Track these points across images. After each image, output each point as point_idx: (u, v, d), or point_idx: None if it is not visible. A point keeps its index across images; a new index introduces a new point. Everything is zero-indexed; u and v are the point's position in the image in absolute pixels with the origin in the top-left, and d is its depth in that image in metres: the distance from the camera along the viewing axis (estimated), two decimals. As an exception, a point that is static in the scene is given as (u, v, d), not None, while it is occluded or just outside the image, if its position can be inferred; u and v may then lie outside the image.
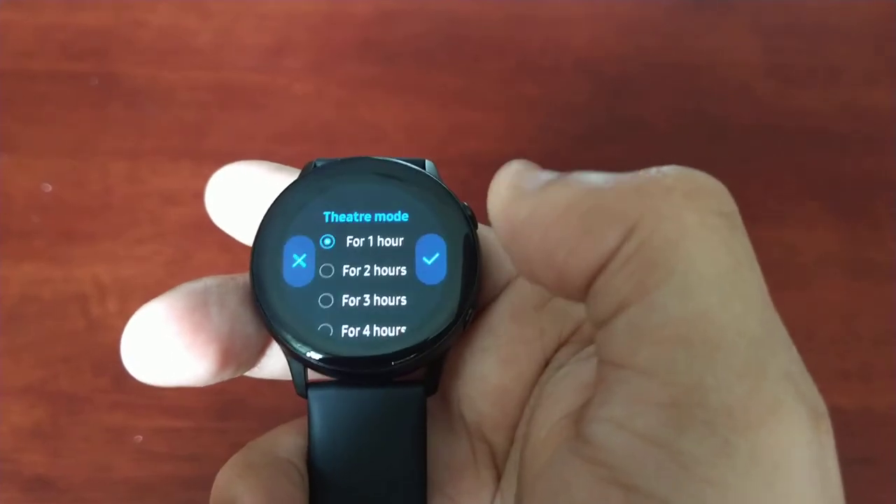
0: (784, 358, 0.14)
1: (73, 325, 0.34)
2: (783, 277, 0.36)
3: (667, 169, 0.15)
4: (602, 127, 0.40)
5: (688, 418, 0.13)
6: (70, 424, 0.32)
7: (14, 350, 0.34)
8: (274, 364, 0.19)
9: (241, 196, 0.20)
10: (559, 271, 0.15)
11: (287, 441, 0.19)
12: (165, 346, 0.17)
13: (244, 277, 0.19)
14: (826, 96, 0.41)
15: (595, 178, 0.15)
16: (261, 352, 0.19)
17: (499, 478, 0.20)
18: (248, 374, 0.20)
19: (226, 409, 0.33)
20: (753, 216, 0.38)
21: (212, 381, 0.18)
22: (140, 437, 0.32)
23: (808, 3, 0.44)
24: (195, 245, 0.37)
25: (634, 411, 0.14)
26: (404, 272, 0.18)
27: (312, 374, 0.19)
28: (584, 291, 0.15)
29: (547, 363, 0.20)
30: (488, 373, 0.20)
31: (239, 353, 0.18)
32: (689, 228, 0.14)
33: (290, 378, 0.19)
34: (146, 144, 0.39)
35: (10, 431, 0.32)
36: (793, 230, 0.37)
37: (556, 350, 0.20)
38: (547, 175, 0.16)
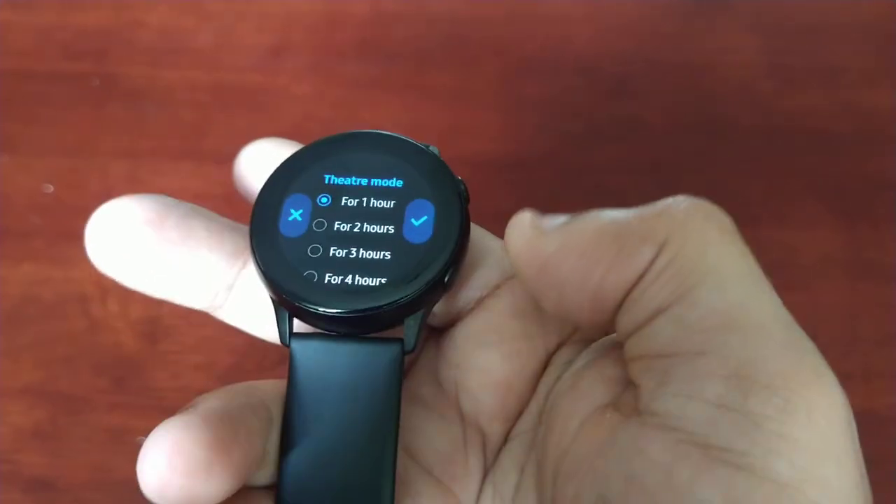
0: (809, 340, 0.17)
1: (74, 326, 0.34)
2: (784, 278, 0.35)
3: (681, 198, 0.18)
4: (601, 127, 0.40)
5: (750, 384, 0.15)
6: (70, 425, 0.32)
7: (14, 350, 0.34)
8: (238, 312, 0.21)
9: (266, 168, 0.21)
10: (594, 291, 0.17)
11: (266, 386, 0.20)
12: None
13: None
14: (827, 97, 0.41)
15: (616, 212, 0.18)
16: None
17: (485, 467, 0.21)
18: (211, 312, 0.21)
19: (226, 409, 0.33)
20: (754, 217, 0.38)
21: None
22: (142, 438, 0.32)
23: (809, 3, 0.44)
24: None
25: (699, 384, 0.16)
26: (392, 231, 0.19)
27: (297, 326, 0.20)
28: (617, 308, 0.17)
29: (548, 360, 0.21)
30: (490, 366, 0.20)
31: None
32: (712, 241, 0.17)
33: (245, 331, 0.21)
34: (146, 145, 0.39)
35: (9, 432, 0.32)
36: (794, 231, 0.37)
37: (558, 348, 0.21)
38: (563, 216, 0.18)
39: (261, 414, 0.19)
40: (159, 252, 0.19)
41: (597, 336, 0.21)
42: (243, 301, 0.20)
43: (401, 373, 0.19)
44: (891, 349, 0.34)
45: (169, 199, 0.20)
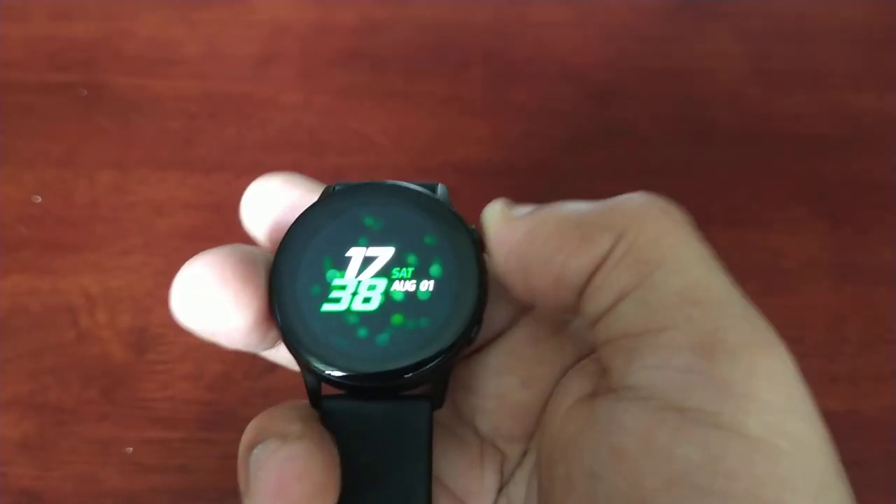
0: (759, 314, 0.18)
1: (62, 337, 0.34)
2: (770, 282, 0.36)
3: (637, 194, 0.19)
4: (588, 133, 0.40)
5: (715, 351, 0.16)
6: (58, 436, 0.32)
7: (2, 362, 0.34)
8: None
9: (273, 208, 0.21)
10: (558, 275, 0.18)
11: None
12: (213, 292, 0.18)
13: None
14: (812, 100, 0.41)
15: (578, 203, 0.19)
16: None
17: (501, 483, 0.21)
18: (264, 354, 0.21)
19: (215, 420, 0.33)
20: (740, 220, 0.38)
21: (246, 339, 0.19)
22: (131, 449, 0.32)
23: (793, 7, 0.44)
24: (183, 255, 0.36)
25: (668, 354, 0.17)
26: (413, 294, 0.19)
27: (325, 387, 0.20)
28: (579, 292, 0.18)
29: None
30: (508, 391, 0.21)
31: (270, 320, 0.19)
32: (667, 230, 0.18)
33: (291, 367, 0.20)
34: (134, 155, 0.39)
35: (-2, 444, 0.32)
36: (779, 234, 0.37)
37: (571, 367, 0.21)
38: (530, 206, 0.19)
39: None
40: (260, 303, 0.19)
41: (562, 317, 0.21)
42: None
43: (431, 430, 0.20)
44: (877, 351, 0.34)
45: (245, 247, 0.19)
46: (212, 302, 0.18)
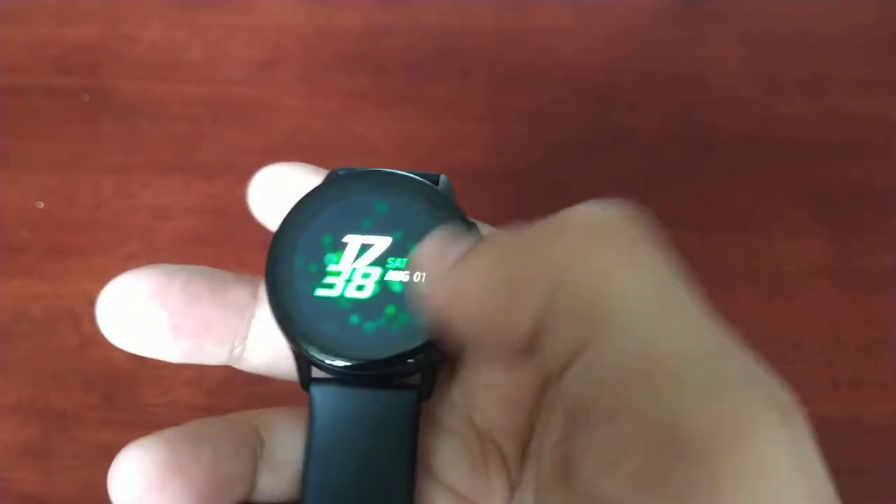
0: (739, 362, 0.14)
1: (64, 342, 0.34)
2: (771, 287, 0.36)
3: (580, 213, 0.16)
4: (590, 137, 0.40)
5: (672, 452, 0.13)
6: (60, 442, 0.32)
7: (4, 367, 0.34)
8: (257, 359, 0.21)
9: (280, 195, 0.21)
10: (495, 336, 0.16)
11: (266, 415, 0.20)
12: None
13: (227, 273, 0.20)
14: (813, 105, 0.41)
15: (509, 241, 0.16)
16: (228, 339, 0.20)
17: (510, 485, 0.21)
18: (234, 364, 0.21)
19: (217, 423, 0.33)
20: (741, 226, 0.38)
21: (165, 356, 0.20)
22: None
23: (795, 13, 0.44)
24: (186, 259, 0.36)
25: (621, 451, 0.14)
26: (407, 284, 0.19)
27: (315, 371, 0.20)
28: (526, 348, 0.16)
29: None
30: (495, 381, 0.21)
31: (195, 331, 0.20)
32: (615, 262, 0.15)
33: (269, 375, 0.21)
34: (137, 159, 0.39)
35: (0, 449, 0.32)
36: (780, 240, 0.37)
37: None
38: (468, 240, 0.17)
39: (243, 438, 0.19)
40: (169, 323, 0.20)
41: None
42: (259, 348, 0.21)
43: (416, 420, 0.20)
44: (877, 356, 0.34)
45: (169, 267, 0.20)
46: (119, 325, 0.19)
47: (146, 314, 0.19)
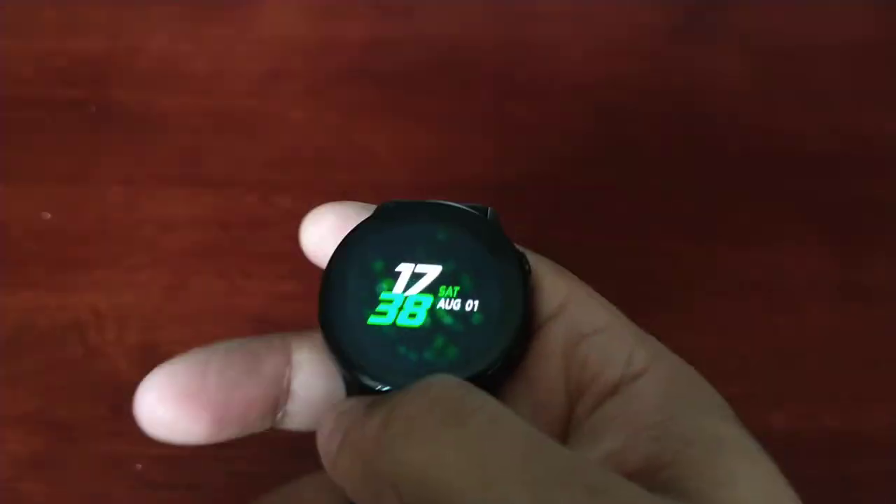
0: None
1: (71, 354, 0.35)
2: (773, 301, 0.36)
3: (403, 403, 0.16)
4: (592, 151, 0.40)
5: None
6: (68, 453, 0.32)
7: (11, 379, 0.34)
8: (298, 421, 0.21)
9: (333, 232, 0.21)
10: None
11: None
12: (160, 411, 0.19)
13: (256, 342, 0.21)
14: (814, 119, 0.41)
15: (360, 437, 0.16)
16: (270, 412, 0.21)
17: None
18: (287, 427, 0.21)
19: (223, 435, 0.33)
20: (744, 240, 0.39)
21: (215, 441, 0.20)
22: (140, 466, 0.32)
23: (797, 27, 0.44)
24: (192, 271, 0.37)
25: None
26: (460, 313, 0.20)
27: None
28: None
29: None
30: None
31: (240, 417, 0.20)
32: (444, 461, 0.14)
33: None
34: (142, 171, 0.39)
35: (7, 461, 0.32)
36: (783, 253, 0.37)
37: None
38: (337, 434, 0.17)
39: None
40: (212, 418, 0.20)
41: None
42: (299, 411, 0.21)
43: None
44: (879, 370, 0.35)
45: (201, 354, 0.20)
46: (162, 425, 0.19)
47: (188, 416, 0.19)
